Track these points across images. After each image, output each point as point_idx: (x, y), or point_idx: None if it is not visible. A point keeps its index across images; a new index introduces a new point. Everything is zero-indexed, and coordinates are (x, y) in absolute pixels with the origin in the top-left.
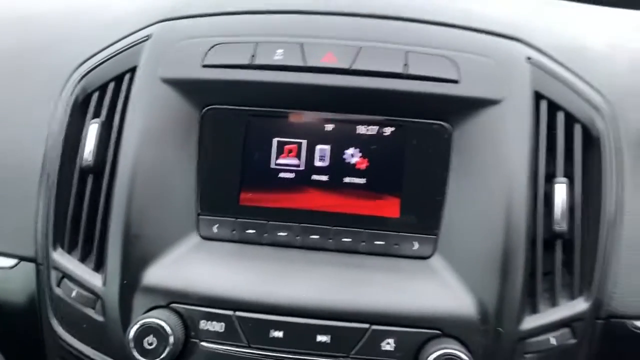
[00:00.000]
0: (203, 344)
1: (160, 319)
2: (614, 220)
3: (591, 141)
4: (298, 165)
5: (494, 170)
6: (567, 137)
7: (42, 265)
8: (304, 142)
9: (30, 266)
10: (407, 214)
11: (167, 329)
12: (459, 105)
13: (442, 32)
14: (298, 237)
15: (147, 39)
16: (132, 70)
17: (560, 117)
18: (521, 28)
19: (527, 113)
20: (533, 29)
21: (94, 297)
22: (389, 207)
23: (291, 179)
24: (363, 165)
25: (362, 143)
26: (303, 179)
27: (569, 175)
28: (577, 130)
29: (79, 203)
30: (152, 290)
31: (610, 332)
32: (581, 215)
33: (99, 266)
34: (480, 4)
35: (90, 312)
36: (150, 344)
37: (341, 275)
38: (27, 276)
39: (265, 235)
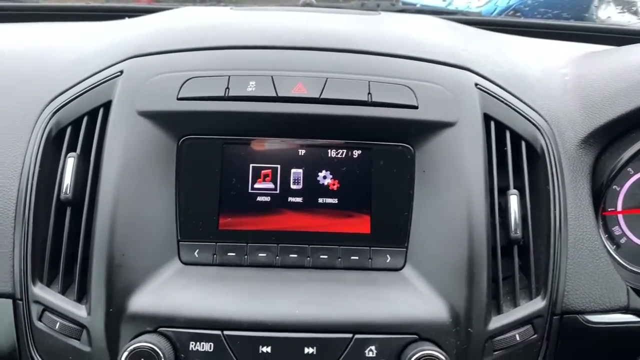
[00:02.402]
0: None
1: (151, 342)
2: (560, 225)
3: (536, 156)
4: (274, 189)
5: (454, 186)
6: (515, 153)
7: (20, 300)
8: (279, 167)
9: (7, 302)
10: (378, 230)
11: (159, 352)
12: (419, 128)
13: (400, 63)
14: (277, 257)
15: (119, 75)
16: (106, 104)
17: (508, 136)
18: (469, 58)
19: (479, 133)
20: (479, 59)
21: (79, 328)
22: (361, 224)
23: (268, 202)
24: (335, 186)
25: (333, 166)
26: (279, 202)
27: (519, 187)
28: (523, 147)
29: (57, 236)
30: (139, 317)
31: (566, 326)
32: (532, 223)
33: (81, 297)
34: (433, 38)
35: (75, 343)
36: None
37: (322, 289)
38: (4, 312)
39: (245, 257)
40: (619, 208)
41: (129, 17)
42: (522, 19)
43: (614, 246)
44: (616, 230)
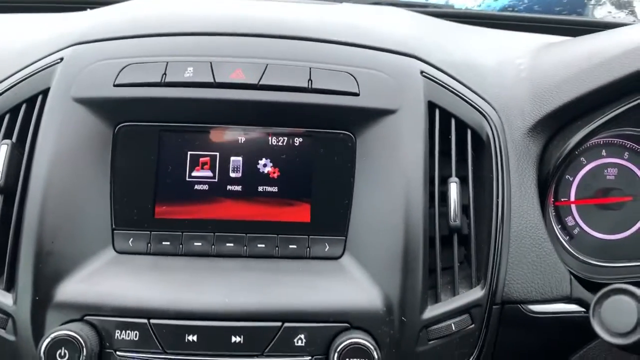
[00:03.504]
0: (118, 353)
1: (73, 330)
2: (503, 214)
3: (482, 144)
4: (212, 177)
5: (393, 174)
6: (461, 141)
7: None
8: (218, 154)
9: None
10: (318, 218)
11: (80, 340)
12: (360, 116)
13: (343, 50)
14: (213, 246)
15: (59, 62)
16: (45, 92)
17: (453, 123)
18: (417, 46)
19: (421, 120)
20: (429, 48)
21: (5, 317)
22: (301, 213)
23: (206, 190)
24: (275, 174)
25: (273, 153)
26: (218, 190)
27: (463, 175)
28: (469, 135)
29: None
30: (65, 305)
31: (507, 316)
32: (475, 212)
33: (10, 286)
34: (385, 27)
35: (0, 332)
36: (63, 357)
37: (255, 278)
38: None
39: (181, 246)
40: (572, 198)
41: (91, 8)
42: (491, 12)
43: (567, 237)
44: (569, 221)
